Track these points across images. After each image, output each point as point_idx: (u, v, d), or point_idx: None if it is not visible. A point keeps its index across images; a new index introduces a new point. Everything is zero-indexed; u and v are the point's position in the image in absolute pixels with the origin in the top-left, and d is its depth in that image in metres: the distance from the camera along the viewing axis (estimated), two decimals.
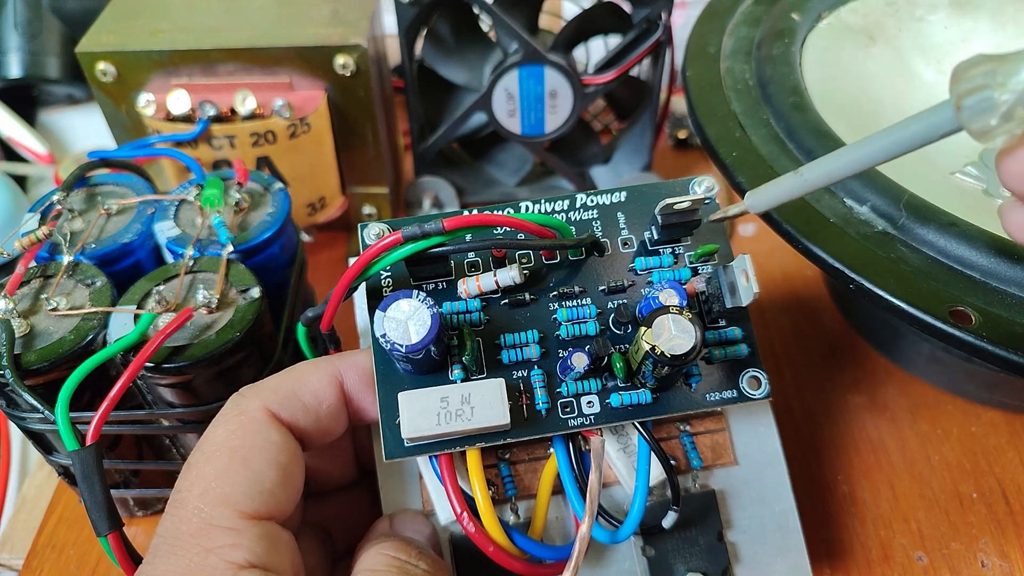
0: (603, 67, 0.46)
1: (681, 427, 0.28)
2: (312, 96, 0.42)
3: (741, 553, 0.27)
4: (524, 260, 0.26)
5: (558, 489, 0.26)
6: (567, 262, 0.26)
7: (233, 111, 0.41)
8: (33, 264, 0.29)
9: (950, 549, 0.34)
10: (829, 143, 0.30)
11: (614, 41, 0.49)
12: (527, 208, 0.27)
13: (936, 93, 0.37)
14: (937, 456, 0.38)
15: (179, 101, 0.41)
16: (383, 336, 0.22)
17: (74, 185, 0.32)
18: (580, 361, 0.24)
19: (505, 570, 0.24)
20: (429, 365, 0.24)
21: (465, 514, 0.24)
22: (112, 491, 0.24)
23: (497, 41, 0.46)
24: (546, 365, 0.25)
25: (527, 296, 0.26)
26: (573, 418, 0.24)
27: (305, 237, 0.48)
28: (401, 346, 0.22)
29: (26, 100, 0.60)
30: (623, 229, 0.27)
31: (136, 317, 0.27)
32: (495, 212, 0.25)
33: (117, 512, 0.24)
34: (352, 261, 0.24)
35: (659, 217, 0.26)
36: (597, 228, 0.27)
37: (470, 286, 0.25)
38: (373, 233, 0.25)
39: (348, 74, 0.41)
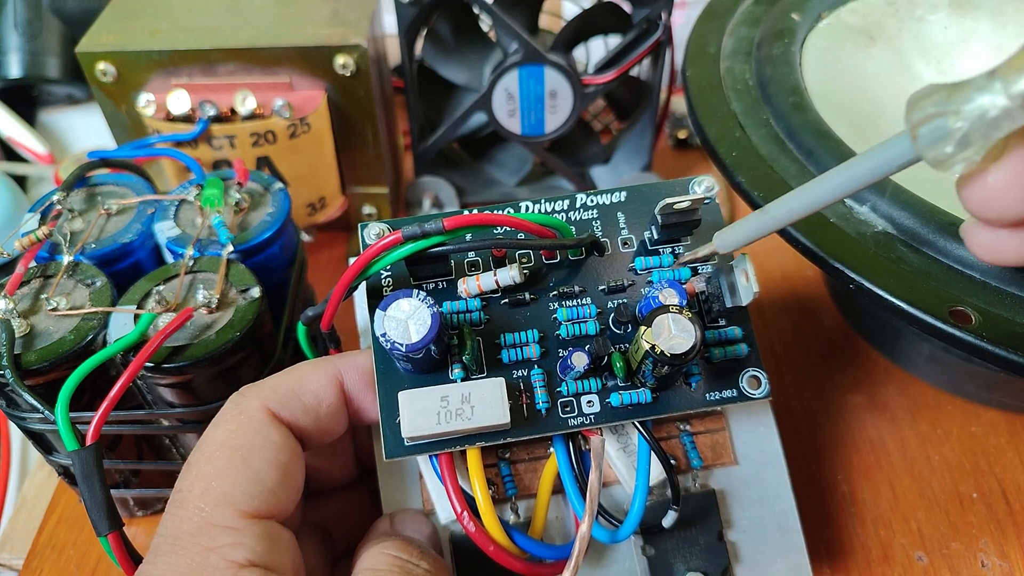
0: (603, 67, 0.46)
1: (681, 427, 0.28)
2: (312, 96, 0.42)
3: (741, 553, 0.27)
4: (524, 260, 0.26)
5: (558, 488, 0.26)
6: (567, 262, 0.26)
7: (233, 111, 0.41)
8: (33, 264, 0.29)
9: (950, 549, 0.34)
10: (829, 143, 0.30)
11: (614, 41, 0.49)
12: (527, 208, 0.27)
13: None
14: (937, 456, 0.38)
15: (179, 101, 0.41)
16: (383, 335, 0.22)
17: (74, 185, 0.32)
18: (580, 360, 0.24)
19: (505, 569, 0.24)
20: (429, 364, 0.24)
21: (465, 513, 0.24)
22: (112, 491, 0.24)
23: (497, 41, 0.46)
24: (546, 364, 0.25)
25: (527, 296, 0.26)
26: (573, 417, 0.24)
27: (305, 237, 0.48)
28: (401, 345, 0.22)
29: (26, 100, 0.60)
30: (623, 229, 0.27)
31: (136, 317, 0.27)
32: (495, 212, 0.25)
33: (117, 512, 0.24)
34: (352, 261, 0.24)
35: (659, 217, 0.26)
36: (597, 228, 0.27)
37: (470, 285, 0.25)
38: (373, 233, 0.25)
39: (348, 74, 0.41)
